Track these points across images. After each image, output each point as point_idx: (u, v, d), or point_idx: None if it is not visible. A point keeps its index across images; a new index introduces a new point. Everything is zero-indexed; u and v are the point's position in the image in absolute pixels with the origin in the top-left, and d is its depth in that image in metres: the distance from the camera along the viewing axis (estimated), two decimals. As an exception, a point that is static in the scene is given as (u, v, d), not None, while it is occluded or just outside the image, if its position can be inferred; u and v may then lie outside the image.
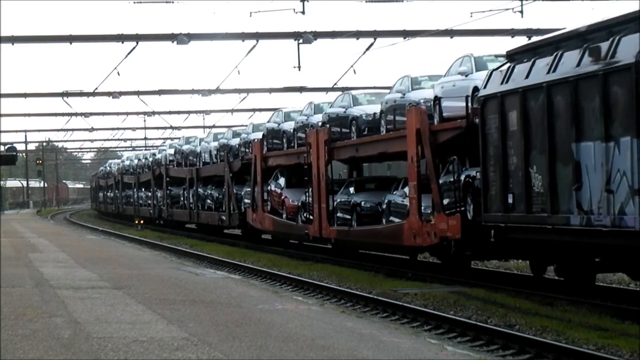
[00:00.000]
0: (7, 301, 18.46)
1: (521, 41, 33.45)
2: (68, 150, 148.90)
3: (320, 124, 33.57)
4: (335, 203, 32.14)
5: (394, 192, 28.63)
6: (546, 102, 19.23)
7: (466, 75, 23.95)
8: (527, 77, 20.09)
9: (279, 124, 38.55)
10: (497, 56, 23.85)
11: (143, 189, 68.59)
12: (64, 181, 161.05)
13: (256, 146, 40.16)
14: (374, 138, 29.46)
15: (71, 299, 19.16)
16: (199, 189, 51.36)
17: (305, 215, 34.46)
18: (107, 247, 39.49)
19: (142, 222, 60.92)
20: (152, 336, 14.22)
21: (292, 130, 36.75)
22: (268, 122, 40.40)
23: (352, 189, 31.86)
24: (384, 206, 28.98)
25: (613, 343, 14.83)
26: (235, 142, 45.58)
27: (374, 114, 29.79)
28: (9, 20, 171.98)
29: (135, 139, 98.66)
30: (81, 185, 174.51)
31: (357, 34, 35.53)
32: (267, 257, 34.14)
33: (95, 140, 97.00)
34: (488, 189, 21.60)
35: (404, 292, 21.83)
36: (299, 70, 37.54)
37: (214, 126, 68.96)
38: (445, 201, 24.73)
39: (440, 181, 25.11)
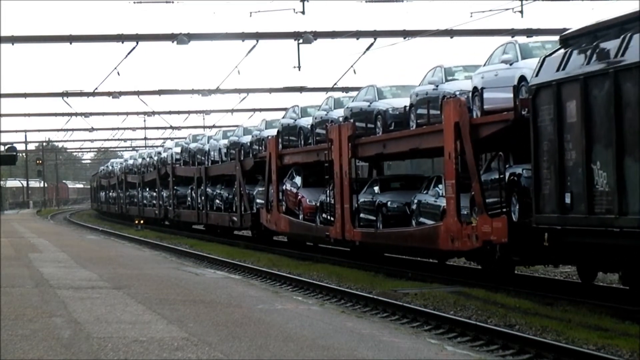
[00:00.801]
0: (7, 301, 18.47)
1: (521, 41, 33.52)
2: (68, 150, 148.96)
3: (341, 119, 31.67)
4: (357, 203, 30.40)
5: (424, 192, 26.93)
6: (613, 90, 17.36)
7: (510, 64, 22.02)
8: (588, 62, 18.30)
9: (295, 120, 36.62)
10: (544, 43, 22.37)
11: (147, 189, 66.72)
12: (64, 181, 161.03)
13: (271, 143, 38.03)
14: (405, 133, 27.25)
15: (71, 299, 19.16)
16: (208, 189, 49.52)
17: (323, 216, 32.94)
18: (107, 247, 39.49)
19: (142, 222, 60.72)
20: (152, 336, 14.23)
21: (309, 126, 34.91)
22: (283, 118, 38.52)
23: (376, 188, 29.99)
24: (414, 206, 27.22)
25: (613, 343, 14.83)
26: (246, 139, 43.64)
27: (405, 107, 27.53)
28: (9, 20, 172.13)
29: (135, 139, 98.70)
30: (81, 185, 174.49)
31: (357, 34, 35.53)
32: (267, 257, 34.12)
33: (95, 140, 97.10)
34: (540, 187, 19.61)
35: (404, 292, 21.82)
36: (299, 70, 37.59)
37: (214, 126, 68.99)
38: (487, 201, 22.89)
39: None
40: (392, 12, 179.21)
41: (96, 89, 43.50)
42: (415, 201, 27.20)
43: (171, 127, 75.59)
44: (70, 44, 35.67)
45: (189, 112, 70.39)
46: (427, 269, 27.02)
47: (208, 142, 50.97)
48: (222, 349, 13.17)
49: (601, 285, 22.76)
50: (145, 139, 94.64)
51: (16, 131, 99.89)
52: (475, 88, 23.37)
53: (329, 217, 32.05)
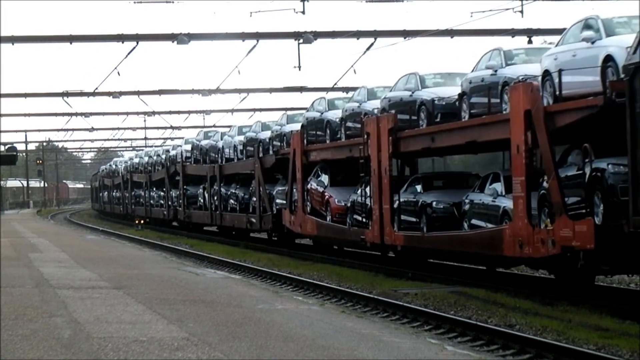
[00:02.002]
0: (7, 301, 18.47)
1: (521, 41, 33.56)
2: (68, 150, 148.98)
3: (377, 110, 28.86)
4: (396, 204, 27.62)
5: (477, 190, 24.35)
6: None
7: (592, 42, 19.06)
8: None
9: (322, 113, 33.68)
10: (630, 18, 19.28)
11: (154, 188, 63.93)
12: (64, 181, 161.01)
13: (295, 138, 35.04)
14: (459, 124, 24.14)
15: (71, 299, 19.16)
16: (221, 188, 46.69)
17: (355, 217, 30.35)
18: (107, 247, 39.48)
19: (142, 222, 60.65)
20: (152, 336, 14.22)
21: (337, 120, 32.15)
22: (307, 111, 35.61)
23: (419, 187, 27.35)
24: (465, 207, 24.52)
25: (613, 343, 14.83)
26: (265, 135, 40.54)
27: (458, 95, 24.53)
28: (9, 20, 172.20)
29: (136, 139, 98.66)
30: (81, 185, 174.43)
31: (357, 34, 35.54)
32: (267, 257, 34.12)
33: (96, 140, 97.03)
34: (639, 185, 16.56)
35: (404, 292, 21.82)
36: (299, 70, 37.60)
37: (214, 126, 68.92)
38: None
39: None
40: (392, 12, 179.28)
41: (96, 89, 43.51)
42: (467, 201, 24.53)
43: (171, 127, 75.65)
44: (70, 44, 35.67)
45: (189, 112, 70.44)
46: (427, 269, 27.01)
47: (221, 139, 48.08)
48: (222, 349, 13.17)
49: (601, 285, 22.76)
50: (146, 139, 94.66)
51: (16, 131, 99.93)
52: (546, 71, 20.40)
53: (363, 219, 29.35)
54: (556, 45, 20.80)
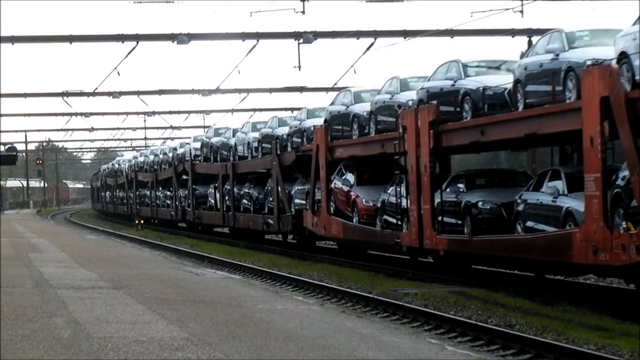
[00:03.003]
0: (7, 301, 18.46)
1: (521, 41, 33.56)
2: (68, 150, 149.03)
3: (411, 102, 26.52)
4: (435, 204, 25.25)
5: (532, 189, 21.97)
6: None
7: None
8: None
9: (348, 107, 31.25)
10: None
11: (160, 188, 61.54)
12: (64, 181, 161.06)
13: (318, 134, 32.46)
14: (518, 115, 21.56)
15: (71, 299, 19.15)
16: (234, 188, 44.24)
17: (385, 219, 28.13)
18: (107, 247, 39.47)
19: (142, 222, 60.56)
20: (152, 336, 14.22)
21: (365, 114, 29.72)
22: (331, 105, 33.08)
23: (461, 185, 25.03)
24: (519, 208, 22.11)
25: (613, 343, 14.83)
26: (282, 131, 38.11)
27: (512, 83, 22.16)
28: (9, 20, 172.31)
29: (135, 139, 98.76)
30: (81, 185, 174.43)
31: (357, 34, 35.61)
32: (267, 257, 34.10)
33: (96, 140, 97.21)
34: None
35: (404, 292, 21.81)
36: (299, 70, 37.64)
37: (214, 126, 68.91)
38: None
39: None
40: (392, 12, 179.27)
41: (96, 89, 43.58)
42: (521, 201, 22.13)
43: (171, 127, 75.72)
44: (70, 44, 35.77)
45: (189, 112, 70.52)
46: (427, 269, 26.99)
47: (234, 136, 45.33)
48: (223, 349, 13.17)
49: (601, 285, 22.76)
50: (146, 139, 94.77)
51: (16, 131, 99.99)
52: (622, 53, 18.46)
53: (397, 221, 27.03)
54: (633, 25, 18.64)
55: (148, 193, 65.49)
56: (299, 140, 35.68)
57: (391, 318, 19.13)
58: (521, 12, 31.44)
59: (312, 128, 33.63)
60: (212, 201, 48.90)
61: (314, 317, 17.32)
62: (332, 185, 31.89)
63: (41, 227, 62.74)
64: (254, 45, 35.54)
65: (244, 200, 43.35)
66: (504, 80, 22.91)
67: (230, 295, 20.48)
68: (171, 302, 18.89)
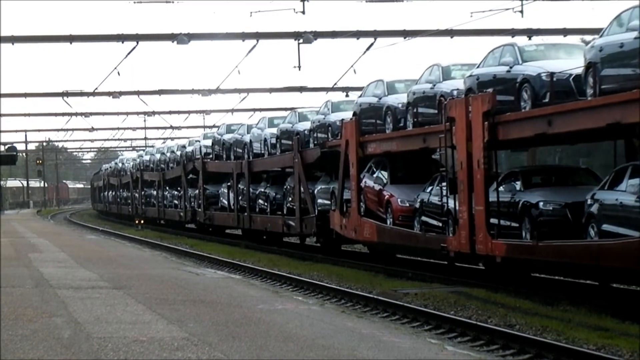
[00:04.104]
0: (7, 301, 18.46)
1: (521, 41, 33.58)
2: (68, 150, 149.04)
3: (456, 92, 24.27)
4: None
5: (607, 188, 19.37)
6: None
7: None
8: None
9: (380, 98, 28.72)
10: None
11: (167, 188, 59.34)
12: (64, 181, 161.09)
13: (348, 128, 30.02)
14: (595, 102, 18.72)
15: (71, 299, 19.15)
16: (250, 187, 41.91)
17: (423, 220, 25.85)
18: (107, 247, 39.47)
19: (142, 222, 60.48)
20: (152, 336, 14.22)
21: (400, 106, 27.38)
22: (360, 97, 30.79)
23: (517, 184, 22.39)
24: (591, 209, 19.41)
25: (613, 343, 14.84)
26: (303, 126, 35.91)
27: (584, 68, 19.40)
28: (9, 20, 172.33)
29: (136, 139, 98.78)
30: (81, 185, 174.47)
31: (357, 34, 35.59)
32: (267, 257, 34.11)
33: (96, 140, 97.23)
34: None
35: (404, 292, 21.82)
36: (299, 70, 37.63)
37: (214, 126, 68.99)
38: None
39: None
40: (392, 12, 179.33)
41: (96, 89, 43.55)
42: (592, 201, 19.58)
43: (171, 127, 75.71)
44: (70, 44, 35.73)
45: (189, 112, 70.51)
46: (427, 269, 26.99)
47: (248, 132, 43.03)
48: (222, 349, 13.17)
49: (601, 285, 22.75)
50: (146, 138, 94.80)
51: (16, 131, 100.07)
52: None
53: (440, 223, 24.85)
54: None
55: (154, 193, 63.33)
56: (323, 135, 33.47)
57: (391, 318, 19.13)
58: (521, 12, 31.41)
59: (338, 122, 31.54)
60: (225, 201, 46.69)
61: (314, 317, 17.32)
62: (362, 184, 29.68)
63: (41, 227, 62.73)
64: (254, 45, 35.54)
65: (260, 201, 41.26)
66: (567, 65, 20.43)
67: (230, 295, 20.48)
68: (171, 302, 18.89)
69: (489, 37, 35.98)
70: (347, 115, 31.37)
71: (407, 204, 26.97)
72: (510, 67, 21.89)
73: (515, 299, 20.19)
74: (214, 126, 68.34)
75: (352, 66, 38.57)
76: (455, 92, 24.32)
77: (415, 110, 26.27)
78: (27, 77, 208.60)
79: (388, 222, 27.64)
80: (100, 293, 20.37)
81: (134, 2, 33.84)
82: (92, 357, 12.66)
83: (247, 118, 60.49)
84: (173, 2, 33.93)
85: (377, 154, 28.89)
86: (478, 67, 23.46)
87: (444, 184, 24.11)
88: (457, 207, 23.25)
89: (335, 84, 45.29)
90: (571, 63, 20.51)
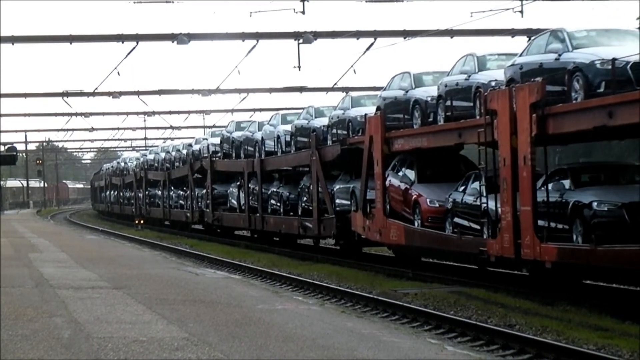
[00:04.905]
0: (7, 301, 18.46)
1: (521, 41, 33.58)
2: (68, 150, 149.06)
3: (494, 82, 22.41)
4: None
5: None
6: None
7: None
8: None
9: (407, 91, 26.88)
10: None
11: (172, 188, 57.85)
12: (64, 181, 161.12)
13: (372, 123, 28.10)
14: None
15: (71, 299, 19.15)
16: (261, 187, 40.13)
17: (456, 222, 23.95)
18: (107, 247, 39.48)
19: (142, 222, 60.47)
20: (152, 336, 14.22)
21: (429, 99, 25.56)
22: (384, 90, 28.69)
23: (566, 182, 20.49)
24: None
25: (613, 343, 14.85)
26: (320, 122, 34.29)
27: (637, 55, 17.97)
28: (9, 20, 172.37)
29: (136, 139, 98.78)
30: (81, 185, 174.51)
31: (357, 34, 35.58)
32: (267, 257, 34.11)
33: (96, 140, 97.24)
34: None
35: (404, 292, 21.82)
36: (299, 70, 37.62)
37: (214, 126, 68.99)
38: None
39: None
40: (392, 12, 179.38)
41: (96, 89, 43.54)
42: None
43: (171, 127, 75.70)
44: (70, 44, 35.71)
45: (189, 112, 70.48)
46: (427, 269, 26.98)
47: (259, 130, 41.41)
48: (222, 349, 13.17)
49: (601, 285, 22.76)
50: (146, 139, 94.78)
51: (16, 131, 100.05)
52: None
53: (477, 225, 22.81)
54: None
55: (159, 193, 61.78)
56: (343, 132, 31.72)
57: (391, 318, 19.13)
58: (521, 12, 31.40)
59: (359, 118, 30.07)
60: (234, 202, 44.86)
61: (313, 317, 17.32)
62: (386, 183, 27.87)
63: (41, 227, 62.73)
64: (254, 46, 35.53)
65: (272, 201, 39.49)
66: (621, 52, 18.79)
67: (230, 295, 20.48)
68: (171, 302, 18.89)
69: (489, 37, 36.00)
70: (368, 110, 29.88)
71: (437, 204, 25.14)
72: (559, 55, 20.09)
73: (515, 299, 20.19)
74: (213, 126, 68.34)
75: (352, 66, 38.59)
76: (493, 83, 22.50)
77: (447, 103, 24.35)
78: (27, 77, 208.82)
79: (415, 224, 25.80)
80: (100, 293, 20.37)
81: (134, 2, 33.85)
82: (92, 357, 12.66)
83: (247, 118, 60.45)
84: (173, 2, 33.93)
85: (405, 150, 26.96)
86: (521, 55, 21.68)
87: (483, 182, 22.22)
88: (498, 208, 21.37)
89: (335, 84, 45.31)
90: (625, 50, 18.97)
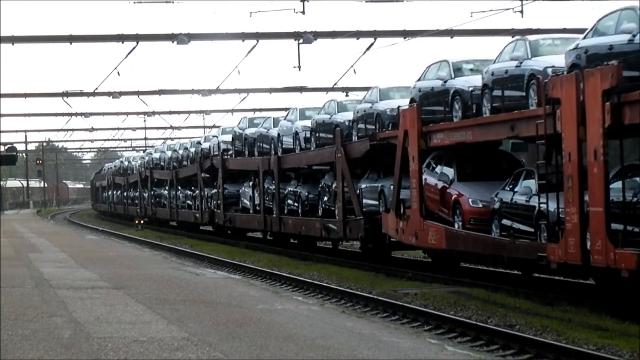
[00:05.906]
0: (7, 301, 18.47)
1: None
2: (68, 150, 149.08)
3: (552, 69, 20.07)
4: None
5: None
6: None
7: None
8: None
9: (445, 82, 24.62)
10: None
11: (180, 187, 55.74)
12: (64, 181, 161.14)
13: (408, 116, 25.54)
14: None
15: (71, 299, 19.15)
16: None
17: (503, 224, 21.78)
18: (107, 247, 39.48)
19: (142, 222, 60.43)
20: (152, 336, 14.22)
21: (471, 89, 23.45)
22: (419, 81, 26.34)
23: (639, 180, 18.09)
24: None
25: (613, 343, 14.85)
26: (343, 117, 31.94)
27: None
28: (9, 20, 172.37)
29: (136, 139, 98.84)
30: (81, 185, 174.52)
31: (357, 34, 35.59)
32: (267, 257, 34.10)
33: (96, 140, 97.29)
34: None
35: (404, 292, 21.82)
36: (299, 70, 37.62)
37: (213, 126, 69.00)
38: None
39: None
40: (392, 12, 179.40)
41: (96, 89, 43.55)
42: None
43: (171, 127, 75.72)
44: (70, 44, 35.73)
45: (189, 112, 70.51)
46: (427, 269, 26.98)
47: (275, 126, 38.82)
48: (222, 349, 13.17)
49: (601, 286, 22.74)
50: (146, 139, 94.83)
51: (16, 131, 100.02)
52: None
53: (540, 229, 20.18)
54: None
55: (166, 193, 59.35)
56: (370, 126, 29.27)
57: (391, 318, 19.13)
58: (521, 12, 31.42)
59: (389, 111, 28.08)
60: (246, 202, 42.74)
61: (314, 317, 17.32)
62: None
63: (41, 227, 62.74)
64: (254, 46, 35.53)
65: (289, 201, 37.23)
66: None
67: (230, 295, 20.48)
68: (171, 302, 18.89)
69: (489, 37, 36.02)
70: (397, 103, 27.90)
71: (481, 205, 23.04)
72: (633, 36, 17.65)
73: (515, 299, 20.19)
74: (213, 126, 68.35)
75: (352, 66, 38.59)
76: (549, 70, 20.19)
77: (493, 93, 22.21)
78: (27, 77, 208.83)
79: (456, 226, 23.67)
80: (100, 293, 20.37)
81: (134, 2, 33.86)
82: (92, 357, 12.66)
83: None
84: (173, 2, 33.95)
85: (445, 145, 24.58)
86: (585, 37, 19.30)
87: (541, 180, 20.09)
88: (561, 209, 19.13)
89: (335, 84, 45.29)
90: None
